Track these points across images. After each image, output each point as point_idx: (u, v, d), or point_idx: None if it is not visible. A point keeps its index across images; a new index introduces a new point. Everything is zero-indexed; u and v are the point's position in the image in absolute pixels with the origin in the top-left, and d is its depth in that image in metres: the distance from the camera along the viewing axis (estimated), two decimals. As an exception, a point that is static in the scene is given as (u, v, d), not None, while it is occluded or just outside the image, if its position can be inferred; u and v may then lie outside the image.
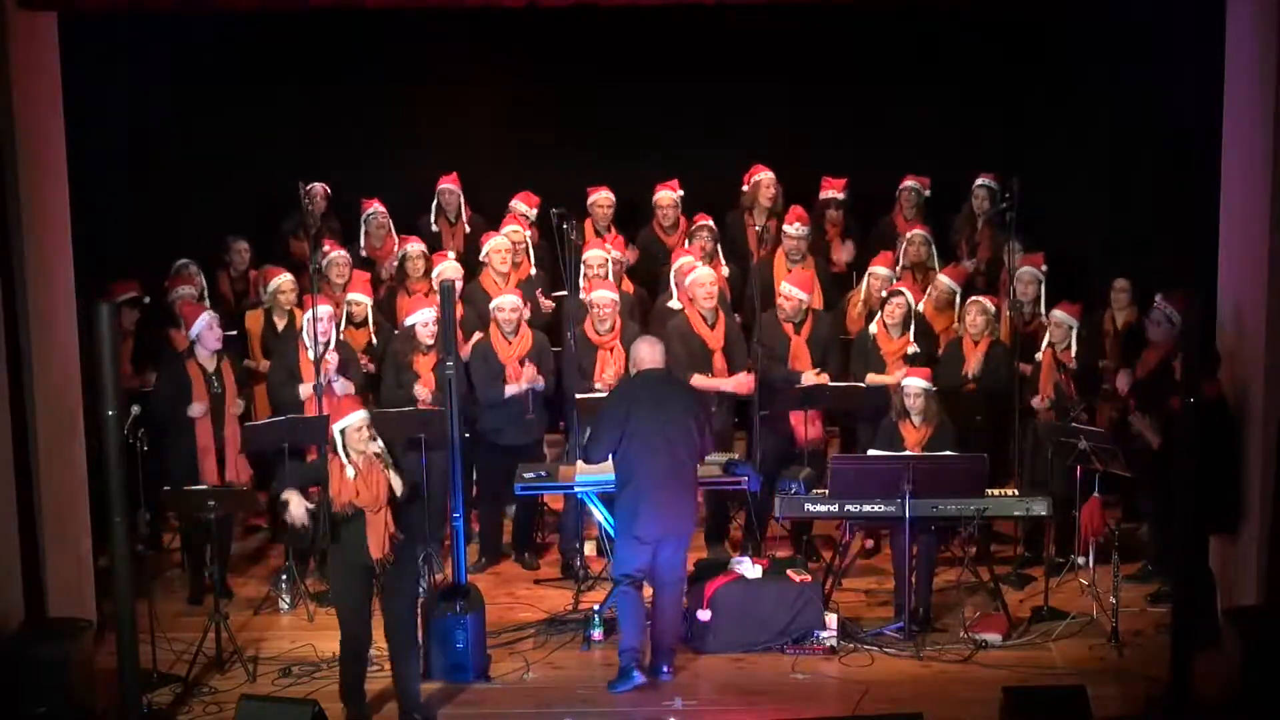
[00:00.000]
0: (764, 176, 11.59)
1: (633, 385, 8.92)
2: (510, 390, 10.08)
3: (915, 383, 9.55)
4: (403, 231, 11.46)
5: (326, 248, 10.92)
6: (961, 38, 11.91)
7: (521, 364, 10.14)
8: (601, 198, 11.55)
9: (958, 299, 10.77)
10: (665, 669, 8.77)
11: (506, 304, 10.20)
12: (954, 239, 11.65)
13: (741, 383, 10.11)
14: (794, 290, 10.30)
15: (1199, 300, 8.26)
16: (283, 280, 10.68)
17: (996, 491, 9.45)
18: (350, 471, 8.09)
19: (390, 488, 8.14)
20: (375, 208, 11.59)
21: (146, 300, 10.54)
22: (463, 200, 11.72)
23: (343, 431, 8.14)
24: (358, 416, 8.18)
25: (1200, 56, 9.63)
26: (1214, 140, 9.14)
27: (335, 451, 8.16)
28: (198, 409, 9.73)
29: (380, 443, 8.22)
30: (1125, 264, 11.09)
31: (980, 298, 10.40)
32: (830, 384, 10.20)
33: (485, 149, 12.31)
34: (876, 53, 12.05)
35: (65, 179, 9.07)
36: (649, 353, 8.77)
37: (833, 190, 11.70)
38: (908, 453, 9.39)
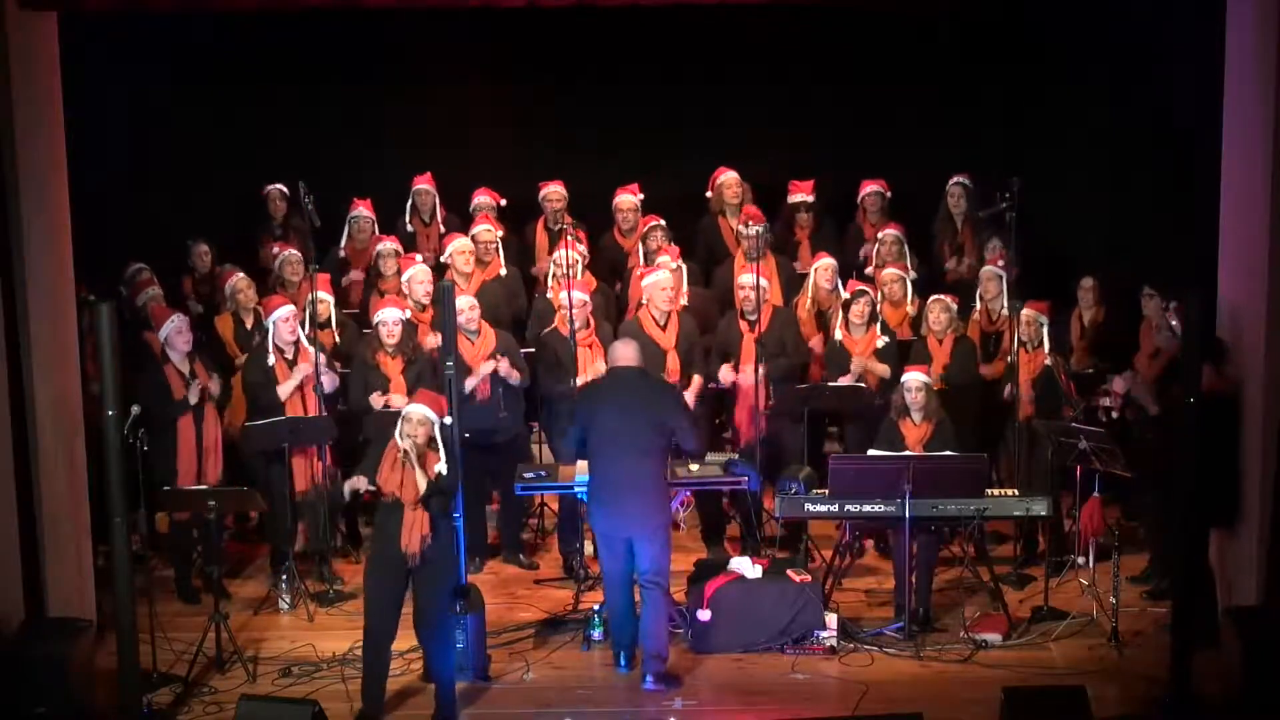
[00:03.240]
0: (726, 177, 11.61)
1: (602, 383, 9.08)
2: (470, 382, 10.03)
3: (915, 377, 9.55)
4: (384, 232, 11.47)
5: (276, 249, 10.99)
6: (962, 38, 11.92)
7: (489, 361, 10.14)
8: (552, 192, 11.56)
9: (909, 290, 10.78)
10: (648, 679, 8.70)
11: (464, 305, 10.13)
12: (936, 240, 11.64)
13: (693, 390, 10.12)
14: (749, 278, 10.27)
15: (1199, 300, 8.26)
16: (238, 280, 10.72)
17: (996, 491, 9.45)
18: (401, 456, 8.14)
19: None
20: (361, 210, 11.59)
21: (92, 298, 10.46)
22: (437, 200, 11.73)
23: (404, 417, 8.20)
24: (423, 410, 8.23)
25: (1200, 56, 9.63)
26: (1214, 140, 9.14)
27: (395, 436, 8.22)
28: (194, 393, 9.73)
29: (438, 443, 8.24)
30: (1126, 264, 11.10)
31: (942, 296, 10.44)
32: (830, 384, 10.22)
33: (485, 148, 12.31)
34: (876, 52, 12.06)
35: (65, 179, 9.06)
36: (623, 351, 8.86)
37: (801, 194, 11.70)
38: (908, 452, 9.39)
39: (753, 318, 10.30)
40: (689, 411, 9.06)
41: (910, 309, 10.80)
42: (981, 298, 10.65)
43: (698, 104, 12.29)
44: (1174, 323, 9.67)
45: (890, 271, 10.89)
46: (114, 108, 11.66)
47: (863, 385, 10.18)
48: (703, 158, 11.99)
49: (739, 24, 11.50)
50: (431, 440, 8.26)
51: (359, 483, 8.29)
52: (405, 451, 8.18)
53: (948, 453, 9.39)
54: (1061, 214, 11.74)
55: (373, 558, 8.46)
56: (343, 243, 11.60)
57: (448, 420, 8.42)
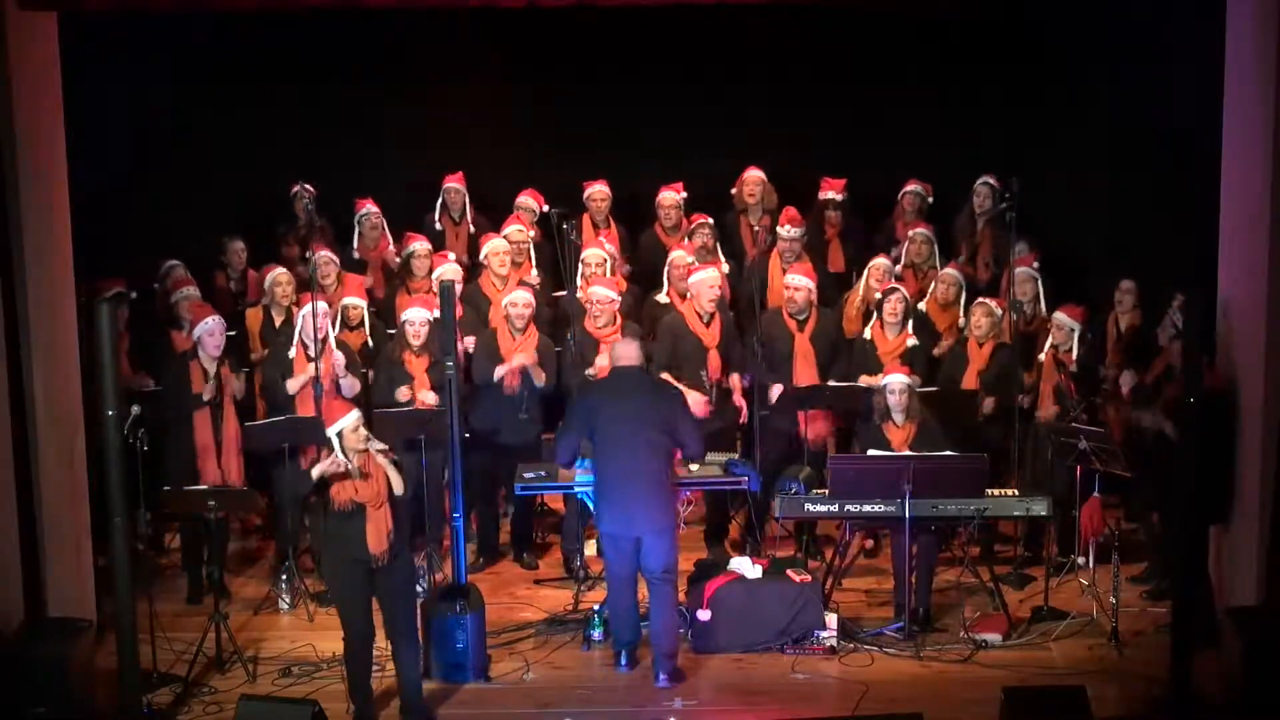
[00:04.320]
0: (748, 175, 11.63)
1: (601, 384, 9.12)
2: (499, 371, 10.06)
3: (897, 379, 9.54)
4: (402, 230, 11.46)
5: (309, 252, 11.01)
6: (961, 38, 11.92)
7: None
8: (597, 191, 11.58)
9: (963, 294, 10.78)
10: (661, 676, 8.75)
11: (520, 300, 10.19)
12: (955, 239, 11.65)
13: (698, 403, 9.83)
14: (800, 279, 10.30)
15: (1199, 300, 8.26)
16: (278, 274, 10.74)
17: (996, 491, 9.45)
18: (354, 470, 8.11)
19: (390, 484, 8.16)
20: (368, 208, 11.58)
21: (134, 296, 10.53)
22: (468, 200, 11.73)
23: (339, 434, 8.16)
24: (351, 417, 8.21)
25: (1200, 56, 9.63)
26: (1214, 140, 9.14)
27: (336, 453, 8.17)
28: (208, 391, 9.75)
29: (377, 442, 8.25)
30: (1126, 264, 11.09)
31: (986, 300, 10.41)
32: (830, 384, 10.22)
33: (485, 148, 12.30)
34: (876, 53, 12.06)
35: (65, 179, 9.07)
36: (624, 351, 8.88)
37: (832, 191, 11.72)
38: (906, 453, 9.39)
39: (801, 317, 10.30)
40: (691, 414, 9.05)
41: (962, 314, 10.75)
42: (1015, 298, 10.58)
43: (698, 104, 12.26)
44: (1176, 320, 9.68)
45: (947, 273, 10.85)
46: (114, 108, 11.65)
47: (862, 385, 10.16)
48: (703, 157, 11.99)
49: (739, 24, 11.48)
50: (369, 437, 8.25)
51: (333, 465, 8.11)
52: (379, 451, 8.17)
53: (948, 453, 9.39)
54: (1061, 214, 11.73)
55: (337, 566, 8.31)
56: (355, 243, 11.59)
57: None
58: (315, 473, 8.14)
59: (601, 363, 10.02)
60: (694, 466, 9.41)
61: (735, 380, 10.28)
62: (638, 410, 8.67)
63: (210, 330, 9.84)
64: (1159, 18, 10.99)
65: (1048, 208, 11.28)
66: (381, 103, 12.26)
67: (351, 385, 10.06)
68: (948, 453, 9.39)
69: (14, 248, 8.62)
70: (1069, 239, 11.75)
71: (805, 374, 10.25)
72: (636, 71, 12.19)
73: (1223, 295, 9.01)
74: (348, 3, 9.78)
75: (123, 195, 11.59)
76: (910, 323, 10.42)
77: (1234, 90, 8.88)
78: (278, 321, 10.66)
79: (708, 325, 10.24)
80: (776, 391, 10.21)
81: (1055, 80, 11.97)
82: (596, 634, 9.27)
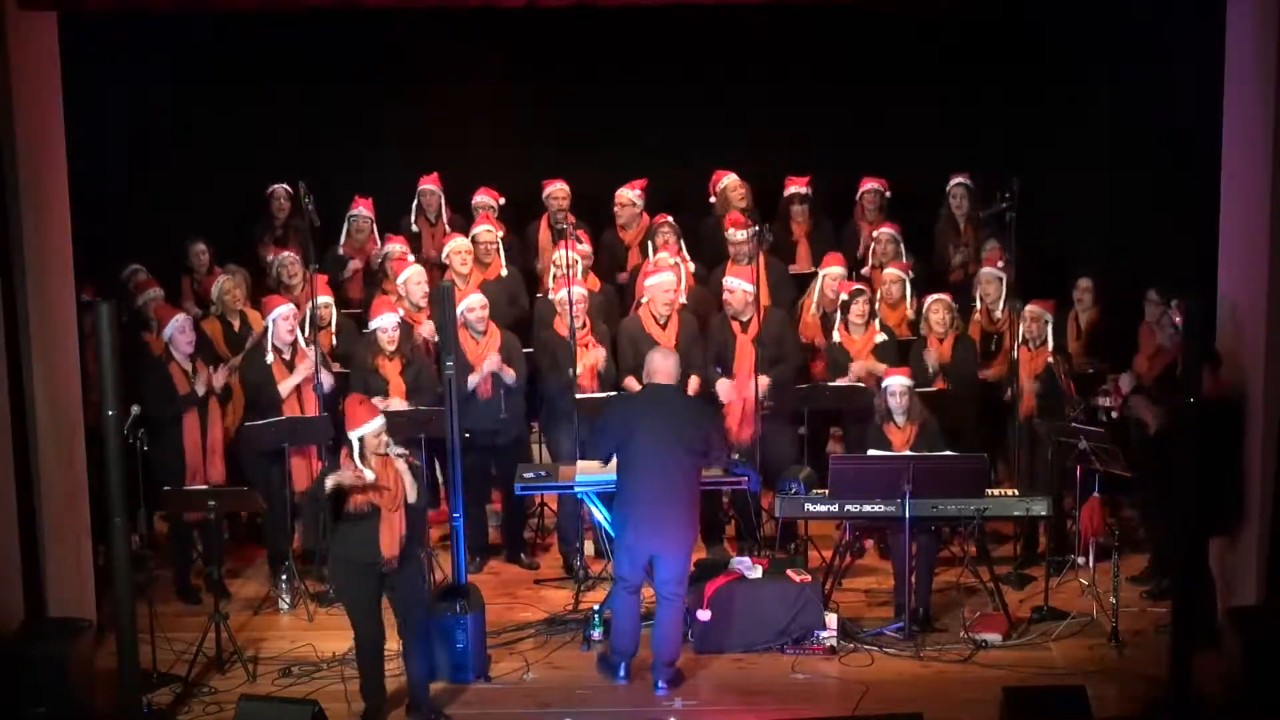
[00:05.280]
0: (730, 180, 11.59)
1: (639, 398, 9.01)
2: (473, 380, 10.05)
3: (898, 381, 9.55)
4: (390, 232, 11.46)
5: (271, 254, 11.05)
6: (961, 38, 11.92)
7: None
8: (558, 189, 11.55)
9: (908, 289, 10.79)
10: (661, 684, 8.72)
11: (475, 304, 10.19)
12: (939, 241, 11.63)
13: (727, 389, 10.01)
14: (738, 283, 10.27)
15: (1199, 300, 8.26)
16: (223, 281, 10.72)
17: (996, 491, 9.45)
18: (369, 474, 8.09)
19: (406, 488, 8.16)
20: (360, 210, 11.57)
21: (99, 300, 10.44)
22: (443, 201, 11.72)
23: (361, 439, 8.15)
24: (377, 423, 8.18)
25: (1200, 56, 9.63)
26: (1214, 140, 9.14)
27: (351, 456, 8.15)
28: (201, 384, 9.74)
29: (397, 446, 8.24)
30: (1126, 264, 11.10)
31: (943, 295, 10.44)
32: (830, 384, 10.22)
33: (485, 148, 12.31)
34: (876, 53, 12.06)
35: (65, 179, 9.07)
36: (662, 364, 8.76)
37: (795, 186, 11.68)
38: (906, 453, 9.39)
39: (744, 318, 10.29)
40: (723, 429, 9.00)
41: (909, 310, 10.80)
42: (981, 299, 10.65)
43: (697, 104, 12.27)
44: (1177, 320, 9.68)
45: (890, 272, 10.90)
46: (114, 108, 11.66)
47: (862, 385, 10.17)
48: (702, 158, 11.98)
49: (739, 24, 11.49)
50: (389, 442, 8.24)
51: (345, 476, 8.09)
52: (399, 456, 8.15)
53: (948, 453, 9.39)
54: (1061, 214, 11.73)
55: (343, 568, 8.32)
56: (342, 241, 11.59)
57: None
58: (330, 483, 8.10)
59: (588, 361, 10.06)
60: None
61: (694, 383, 10.20)
62: (674, 433, 8.54)
63: (180, 328, 9.83)
64: (1159, 18, 10.99)
65: (1047, 207, 11.28)
66: (381, 103, 12.26)
67: (331, 380, 10.08)
68: (948, 453, 9.39)
69: (14, 248, 8.62)
70: (1069, 239, 11.75)
71: (749, 376, 10.19)
72: (636, 71, 12.20)
73: (1223, 295, 9.02)
74: (348, 3, 9.78)
75: (123, 195, 11.60)
76: (876, 320, 10.45)
77: (1234, 90, 8.88)
78: (235, 326, 10.65)
79: (664, 328, 10.23)
80: (724, 387, 10.17)
81: (1055, 80, 11.97)
82: (596, 634, 9.27)
